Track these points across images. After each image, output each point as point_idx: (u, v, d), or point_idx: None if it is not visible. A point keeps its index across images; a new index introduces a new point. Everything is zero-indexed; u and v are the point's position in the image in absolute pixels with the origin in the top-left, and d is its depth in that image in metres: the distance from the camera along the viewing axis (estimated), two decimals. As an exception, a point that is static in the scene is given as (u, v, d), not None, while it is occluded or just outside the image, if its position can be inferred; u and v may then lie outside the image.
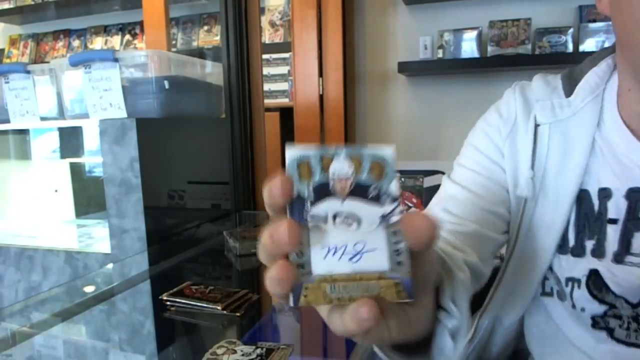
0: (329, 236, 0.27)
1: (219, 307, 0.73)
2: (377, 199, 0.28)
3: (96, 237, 1.30)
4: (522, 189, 0.57)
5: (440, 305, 0.38)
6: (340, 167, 0.28)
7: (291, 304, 0.26)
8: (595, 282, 0.54)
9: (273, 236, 0.26)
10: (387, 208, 0.28)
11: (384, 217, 0.28)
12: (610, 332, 0.55)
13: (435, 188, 0.65)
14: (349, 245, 0.27)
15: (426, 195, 1.36)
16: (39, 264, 1.20)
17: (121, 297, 0.87)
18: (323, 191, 0.28)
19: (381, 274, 0.27)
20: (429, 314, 0.36)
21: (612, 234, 0.53)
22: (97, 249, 1.16)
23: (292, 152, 0.28)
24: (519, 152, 0.58)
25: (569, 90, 0.58)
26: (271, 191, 0.27)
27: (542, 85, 0.60)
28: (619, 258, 0.53)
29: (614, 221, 0.53)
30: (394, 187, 0.28)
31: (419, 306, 0.33)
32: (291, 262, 0.26)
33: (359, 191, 0.28)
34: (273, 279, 0.26)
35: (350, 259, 0.27)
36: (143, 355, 0.68)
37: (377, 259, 0.27)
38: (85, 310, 0.80)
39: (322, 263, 0.27)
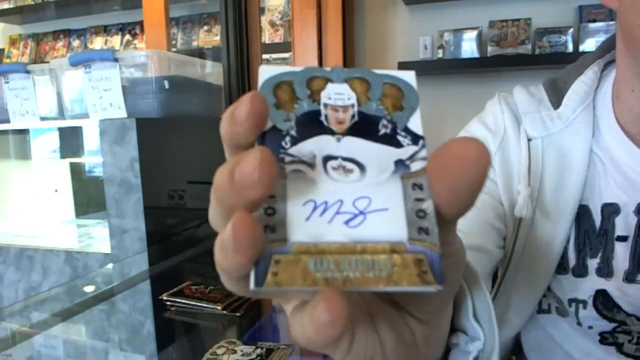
0: (317, 187, 0.18)
1: (219, 307, 0.73)
2: (390, 138, 0.19)
3: (96, 237, 1.30)
4: (521, 208, 0.53)
5: (456, 327, 0.29)
6: (338, 92, 0.20)
7: (251, 286, 0.16)
8: (604, 303, 0.51)
9: (234, 173, 0.16)
10: (406, 150, 0.19)
11: (401, 163, 0.19)
12: (619, 347, 0.53)
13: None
14: (346, 202, 0.18)
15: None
16: (39, 264, 1.20)
17: (121, 297, 0.87)
18: (311, 124, 0.19)
19: (395, 245, 0.17)
20: (445, 334, 0.26)
21: (622, 252, 0.50)
22: (97, 249, 1.16)
23: (267, 71, 0.19)
24: (511, 166, 0.55)
25: (556, 101, 0.55)
26: (233, 117, 0.17)
27: (526, 98, 0.57)
28: (630, 277, 0.50)
29: (623, 238, 0.50)
30: (415, 122, 0.20)
31: (432, 321, 0.22)
32: (257, 218, 0.17)
33: (364, 126, 0.19)
34: (227, 243, 0.16)
35: (348, 221, 0.18)
36: (143, 355, 0.68)
37: (389, 223, 0.18)
38: (85, 310, 0.80)
39: (303, 226, 0.17)
